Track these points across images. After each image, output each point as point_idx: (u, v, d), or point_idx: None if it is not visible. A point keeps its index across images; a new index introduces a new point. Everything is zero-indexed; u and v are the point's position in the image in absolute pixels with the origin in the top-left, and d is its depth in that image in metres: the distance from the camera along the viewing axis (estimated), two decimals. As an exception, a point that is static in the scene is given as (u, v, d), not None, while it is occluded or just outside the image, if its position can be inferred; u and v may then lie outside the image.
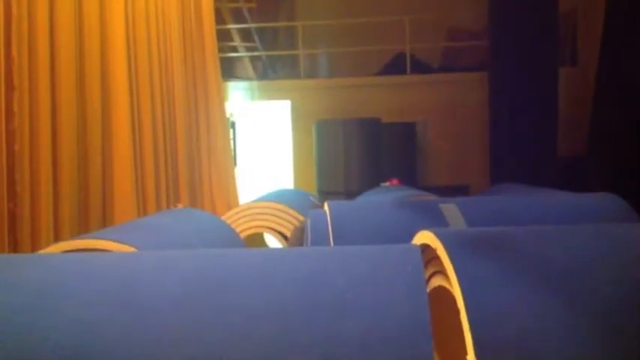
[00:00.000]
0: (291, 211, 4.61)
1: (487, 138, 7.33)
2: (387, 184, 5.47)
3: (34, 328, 1.22)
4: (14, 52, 4.17)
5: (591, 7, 6.91)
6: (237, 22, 8.13)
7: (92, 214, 4.93)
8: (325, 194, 6.69)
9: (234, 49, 8.31)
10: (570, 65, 7.69)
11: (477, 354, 1.12)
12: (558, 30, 7.03)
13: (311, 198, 5.68)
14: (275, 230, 4.84)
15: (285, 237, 4.51)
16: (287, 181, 7.95)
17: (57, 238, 4.30)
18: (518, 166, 6.57)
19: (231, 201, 6.63)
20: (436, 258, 1.41)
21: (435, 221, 2.40)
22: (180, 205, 4.39)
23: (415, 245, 1.48)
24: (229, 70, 8.11)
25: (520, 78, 6.79)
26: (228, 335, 1.20)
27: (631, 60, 5.42)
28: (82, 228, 4.71)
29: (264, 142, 8.35)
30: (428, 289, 1.38)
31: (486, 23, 7.54)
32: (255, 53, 8.53)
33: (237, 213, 5.01)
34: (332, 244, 2.46)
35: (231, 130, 7.59)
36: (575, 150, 6.71)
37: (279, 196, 5.17)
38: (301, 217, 4.38)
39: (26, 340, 1.21)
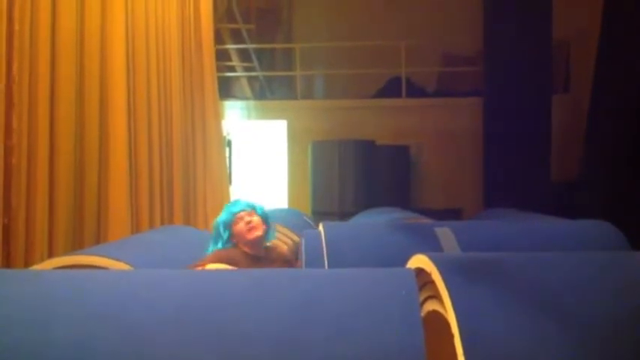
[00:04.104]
0: (285, 230, 4.60)
1: (481, 162, 7.37)
2: None
3: (26, 344, 1.22)
4: (15, 70, 4.20)
5: (584, 36, 7.03)
6: (236, 42, 8.19)
7: (87, 230, 4.91)
8: (319, 214, 6.69)
9: (232, 69, 8.35)
10: (563, 92, 7.79)
11: (470, 378, 1.13)
12: (552, 57, 7.14)
13: (305, 218, 5.66)
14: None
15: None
16: (281, 201, 7.95)
17: (51, 254, 4.28)
18: (512, 190, 6.59)
19: (225, 219, 6.60)
20: (431, 282, 1.42)
21: (429, 245, 2.42)
22: None
23: (410, 269, 1.49)
24: (227, 90, 8.15)
25: (514, 103, 6.86)
26: (220, 356, 1.20)
27: (623, 87, 5.49)
28: (77, 244, 4.69)
29: (259, 162, 8.36)
30: (422, 313, 1.39)
31: (481, 49, 7.64)
32: (253, 73, 8.58)
33: (231, 232, 4.99)
34: (326, 266, 2.46)
35: (227, 149, 7.60)
36: (568, 175, 6.76)
37: (273, 216, 5.16)
38: (295, 237, 4.37)
39: (18, 356, 1.20)
